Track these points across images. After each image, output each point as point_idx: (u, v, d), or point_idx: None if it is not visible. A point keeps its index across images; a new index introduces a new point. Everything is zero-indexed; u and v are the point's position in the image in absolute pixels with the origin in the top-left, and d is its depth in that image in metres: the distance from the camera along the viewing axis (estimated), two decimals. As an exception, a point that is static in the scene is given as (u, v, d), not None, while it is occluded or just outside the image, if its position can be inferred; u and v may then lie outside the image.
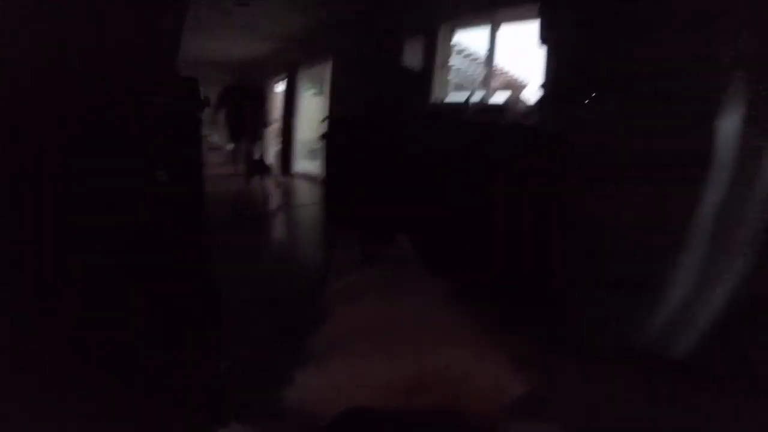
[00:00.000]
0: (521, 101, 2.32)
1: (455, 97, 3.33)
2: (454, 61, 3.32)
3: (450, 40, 3.24)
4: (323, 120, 3.75)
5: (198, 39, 6.01)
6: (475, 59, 3.56)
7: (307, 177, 5.80)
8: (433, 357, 0.51)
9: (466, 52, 3.46)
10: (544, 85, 2.08)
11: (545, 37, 1.99)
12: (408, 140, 2.35)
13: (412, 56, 3.19)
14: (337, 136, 3.47)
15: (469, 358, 0.53)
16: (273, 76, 7.21)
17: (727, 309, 1.18)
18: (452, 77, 3.35)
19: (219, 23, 5.08)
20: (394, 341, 0.56)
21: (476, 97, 2.72)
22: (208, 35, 5.79)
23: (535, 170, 1.57)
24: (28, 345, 1.12)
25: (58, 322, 1.23)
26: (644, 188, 1.36)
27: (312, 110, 5.89)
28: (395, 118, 2.92)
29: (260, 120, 7.02)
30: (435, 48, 3.20)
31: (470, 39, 3.35)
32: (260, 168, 7.06)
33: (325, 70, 5.16)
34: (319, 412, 0.46)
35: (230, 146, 7.56)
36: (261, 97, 7.04)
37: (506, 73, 3.02)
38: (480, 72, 3.43)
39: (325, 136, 3.68)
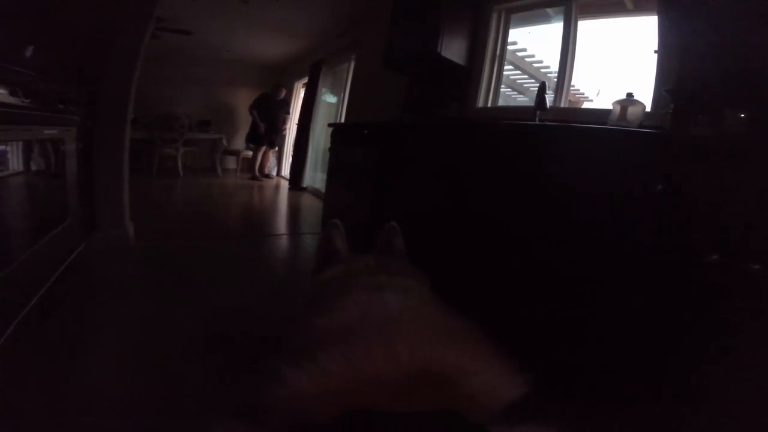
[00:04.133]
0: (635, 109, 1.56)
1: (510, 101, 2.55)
2: (510, 59, 2.53)
3: (506, 31, 2.48)
4: (330, 125, 3.03)
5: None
6: (535, 61, 2.77)
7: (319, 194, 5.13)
8: (429, 357, 0.50)
9: (523, 53, 2.67)
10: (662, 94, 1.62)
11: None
12: (453, 147, 1.90)
13: (454, 51, 2.45)
14: (340, 146, 2.77)
15: (467, 359, 0.51)
16: (296, 80, 6.78)
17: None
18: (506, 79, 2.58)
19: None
20: (388, 340, 0.52)
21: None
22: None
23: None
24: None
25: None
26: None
27: (330, 118, 5.37)
28: (434, 122, 2.34)
29: (280, 126, 6.64)
30: (486, 39, 2.43)
31: (529, 36, 2.56)
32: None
33: (347, 72, 4.51)
34: (312, 411, 0.46)
35: (247, 153, 7.21)
36: (286, 104, 6.66)
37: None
38: (541, 75, 2.65)
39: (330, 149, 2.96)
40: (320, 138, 5.51)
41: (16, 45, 1.43)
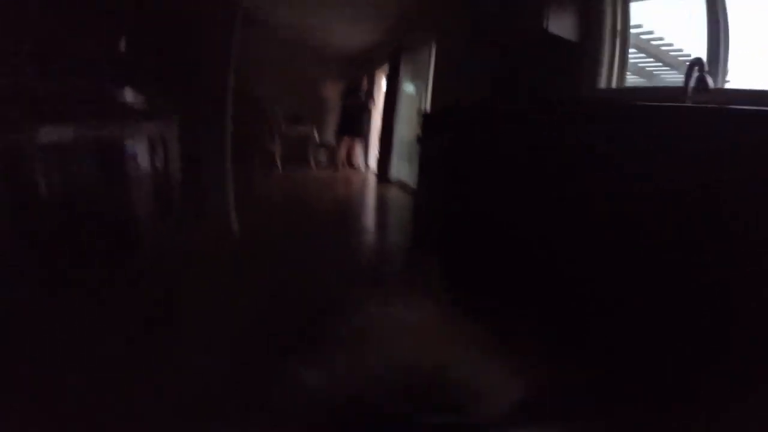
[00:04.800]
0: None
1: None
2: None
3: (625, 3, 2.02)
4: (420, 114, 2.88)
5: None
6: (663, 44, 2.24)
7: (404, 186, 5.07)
8: (436, 359, 0.54)
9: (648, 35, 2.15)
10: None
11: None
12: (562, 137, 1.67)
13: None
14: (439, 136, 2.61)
15: (472, 361, 0.56)
16: (377, 68, 6.75)
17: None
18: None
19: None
20: (398, 342, 0.58)
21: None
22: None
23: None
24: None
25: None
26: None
27: (412, 111, 5.22)
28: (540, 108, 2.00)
29: (365, 117, 6.74)
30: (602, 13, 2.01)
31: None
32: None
33: (429, 57, 4.27)
34: (322, 411, 0.50)
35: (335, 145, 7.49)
36: (370, 94, 6.74)
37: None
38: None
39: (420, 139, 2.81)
40: (404, 128, 5.41)
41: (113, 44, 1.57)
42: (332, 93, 7.76)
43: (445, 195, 2.39)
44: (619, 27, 2.09)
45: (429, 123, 2.73)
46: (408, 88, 5.39)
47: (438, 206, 2.49)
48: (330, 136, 7.75)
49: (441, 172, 2.49)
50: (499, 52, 2.45)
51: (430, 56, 4.18)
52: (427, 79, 4.28)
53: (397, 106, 5.34)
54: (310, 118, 7.41)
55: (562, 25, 2.09)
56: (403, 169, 5.38)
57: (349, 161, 7.05)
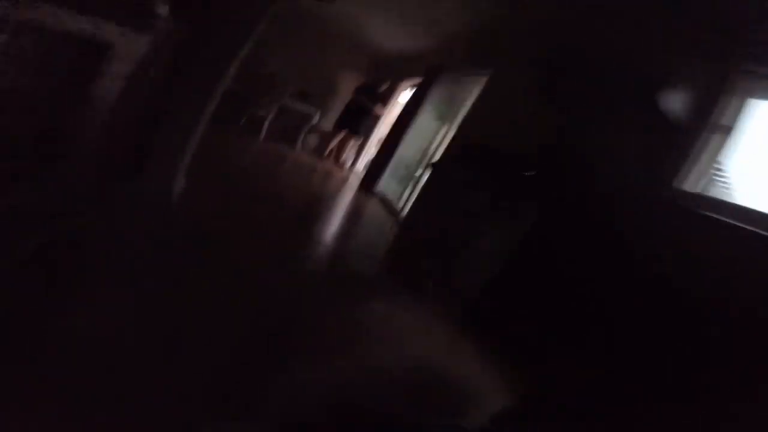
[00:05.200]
0: None
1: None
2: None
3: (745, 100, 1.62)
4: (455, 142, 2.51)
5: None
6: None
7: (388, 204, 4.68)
8: (429, 362, 0.53)
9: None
10: None
11: None
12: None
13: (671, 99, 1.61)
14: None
15: (466, 365, 0.54)
16: (406, 78, 6.40)
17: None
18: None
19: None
20: (393, 345, 0.57)
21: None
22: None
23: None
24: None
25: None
26: None
27: (424, 134, 4.88)
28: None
29: (369, 120, 6.37)
30: (716, 101, 1.64)
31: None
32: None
33: (472, 88, 3.90)
34: (311, 402, 0.48)
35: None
36: (383, 97, 6.38)
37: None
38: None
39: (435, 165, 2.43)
40: (409, 149, 5.06)
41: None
42: (349, 84, 7.35)
43: (447, 228, 2.13)
44: (725, 123, 1.64)
45: (457, 155, 2.36)
46: (431, 110, 5.04)
47: (428, 235, 2.30)
48: (329, 125, 7.30)
49: (450, 205, 2.23)
50: (575, 110, 2.05)
51: (472, 88, 3.82)
52: (459, 109, 3.93)
53: (411, 124, 4.96)
54: (317, 100, 6.95)
55: (674, 105, 1.64)
56: (390, 187, 5.11)
57: (337, 156, 6.64)
